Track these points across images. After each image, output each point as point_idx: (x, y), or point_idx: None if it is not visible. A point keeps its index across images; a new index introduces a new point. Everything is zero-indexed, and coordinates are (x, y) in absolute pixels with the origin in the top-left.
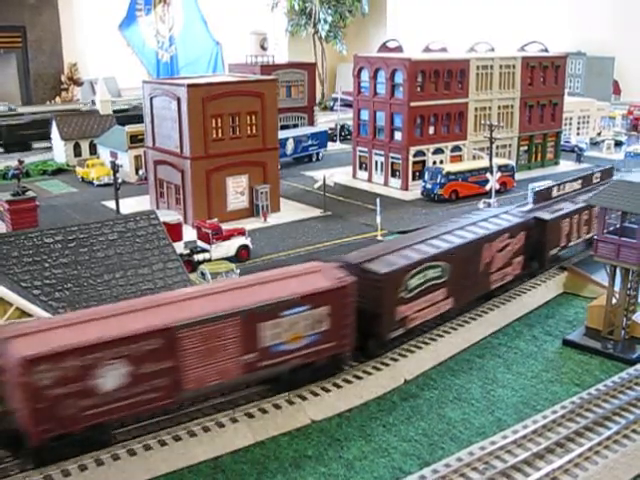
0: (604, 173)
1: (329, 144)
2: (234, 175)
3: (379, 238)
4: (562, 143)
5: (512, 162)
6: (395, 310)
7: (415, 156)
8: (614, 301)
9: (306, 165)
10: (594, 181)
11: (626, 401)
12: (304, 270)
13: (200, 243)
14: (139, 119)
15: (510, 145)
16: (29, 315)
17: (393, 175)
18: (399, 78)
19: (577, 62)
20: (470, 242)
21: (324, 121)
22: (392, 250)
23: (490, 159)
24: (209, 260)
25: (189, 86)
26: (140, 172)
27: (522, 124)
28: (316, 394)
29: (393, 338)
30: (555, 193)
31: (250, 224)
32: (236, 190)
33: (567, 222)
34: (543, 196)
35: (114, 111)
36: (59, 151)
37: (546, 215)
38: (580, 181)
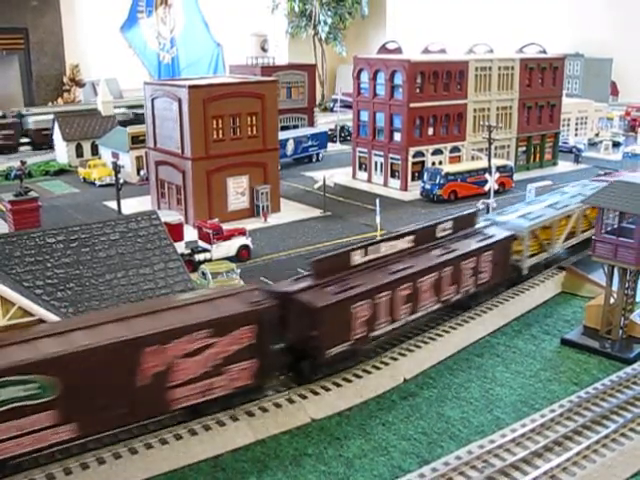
0: (459, 222)
1: (329, 145)
2: (235, 176)
3: (378, 238)
4: (560, 144)
5: (511, 163)
6: None
7: (414, 157)
8: (612, 301)
9: (306, 166)
10: (439, 235)
11: (624, 400)
12: None
13: (201, 243)
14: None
15: (509, 146)
16: (31, 315)
17: (392, 176)
18: (398, 79)
19: (575, 63)
20: (104, 347)
21: (324, 122)
22: None
23: (489, 160)
24: (210, 260)
25: (190, 87)
26: (141, 173)
27: (520, 125)
28: (316, 393)
29: None
30: (359, 259)
31: (251, 224)
32: (237, 190)
33: (366, 304)
34: (330, 267)
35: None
36: (61, 152)
37: (317, 299)
38: (411, 237)
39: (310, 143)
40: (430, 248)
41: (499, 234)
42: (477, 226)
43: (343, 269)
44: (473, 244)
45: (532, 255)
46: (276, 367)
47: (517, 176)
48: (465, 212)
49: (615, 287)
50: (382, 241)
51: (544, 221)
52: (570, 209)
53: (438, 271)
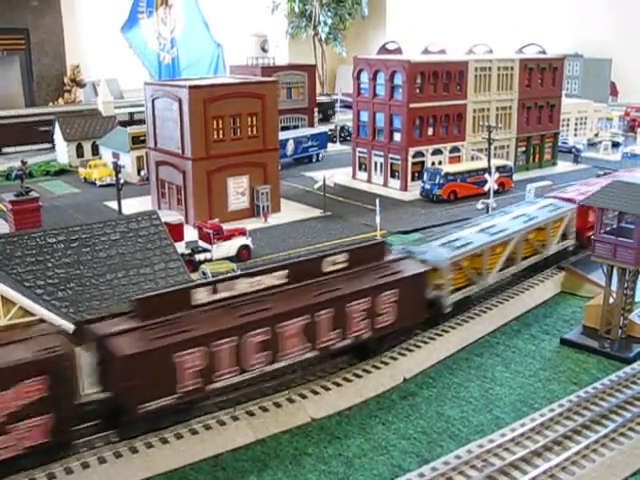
0: (359, 255)
1: (329, 145)
2: (235, 176)
3: (378, 238)
4: (560, 144)
5: (510, 163)
6: None
7: (414, 157)
8: (611, 300)
9: (306, 166)
10: (327, 269)
11: (623, 399)
12: None
13: (201, 243)
14: None
15: (508, 146)
16: (32, 315)
17: (392, 176)
18: (398, 80)
19: (574, 64)
20: None
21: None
22: None
23: (488, 160)
24: (210, 260)
25: (190, 87)
26: (142, 173)
27: (520, 125)
28: (316, 392)
29: None
30: (203, 298)
31: (251, 224)
32: (237, 191)
33: (198, 352)
34: (161, 306)
35: None
36: (62, 152)
37: (126, 345)
38: (284, 272)
39: (310, 143)
40: (308, 286)
41: (410, 269)
42: (387, 259)
43: (180, 309)
44: (368, 281)
45: (457, 289)
46: (81, 421)
47: (516, 176)
48: (370, 243)
49: (614, 287)
50: (239, 277)
51: (471, 250)
52: (507, 234)
53: (310, 313)
